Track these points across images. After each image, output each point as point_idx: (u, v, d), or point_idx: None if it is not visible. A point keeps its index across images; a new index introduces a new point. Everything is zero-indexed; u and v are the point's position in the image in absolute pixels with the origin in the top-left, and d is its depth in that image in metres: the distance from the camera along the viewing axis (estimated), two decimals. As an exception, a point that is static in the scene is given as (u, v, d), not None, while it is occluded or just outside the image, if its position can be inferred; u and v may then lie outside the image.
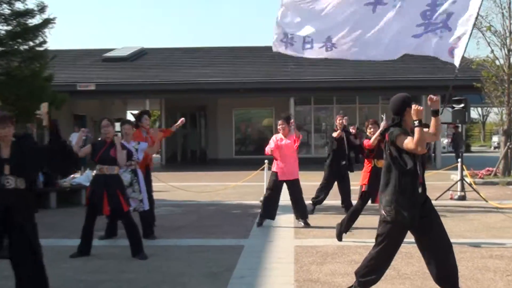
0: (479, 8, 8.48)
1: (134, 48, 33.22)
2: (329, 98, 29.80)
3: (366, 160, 9.99)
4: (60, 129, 6.04)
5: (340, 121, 12.36)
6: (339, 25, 8.93)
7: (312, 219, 11.27)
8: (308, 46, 9.09)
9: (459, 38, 8.38)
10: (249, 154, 29.59)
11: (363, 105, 29.39)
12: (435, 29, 8.51)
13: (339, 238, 9.11)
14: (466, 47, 8.35)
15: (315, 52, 9.12)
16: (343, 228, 9.18)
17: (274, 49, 9.44)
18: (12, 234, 5.70)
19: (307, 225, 10.71)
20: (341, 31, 8.94)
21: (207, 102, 30.83)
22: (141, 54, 32.69)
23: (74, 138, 23.64)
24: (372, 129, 9.89)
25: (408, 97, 5.74)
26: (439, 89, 25.70)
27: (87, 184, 13.86)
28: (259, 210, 11.12)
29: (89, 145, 8.79)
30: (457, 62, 8.50)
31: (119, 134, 9.05)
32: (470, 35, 8.46)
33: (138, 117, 10.38)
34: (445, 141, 40.81)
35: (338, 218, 10.76)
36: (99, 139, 8.90)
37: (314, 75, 26.86)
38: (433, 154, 28.41)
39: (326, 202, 12.70)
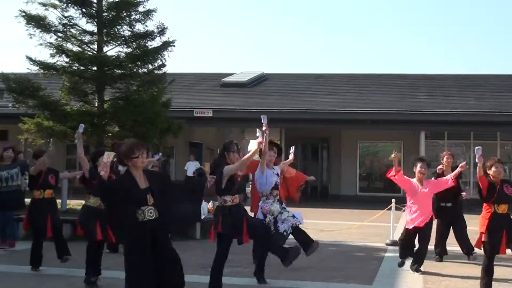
0: None
1: (254, 73, 33.53)
2: (465, 133, 28.89)
3: (485, 204, 8.99)
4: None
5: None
6: None
7: (444, 267, 11.05)
8: None
9: None
10: (375, 191, 29.22)
11: (505, 141, 28.24)
12: None
13: None
14: None
15: None
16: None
17: None
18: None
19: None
20: None
21: (330, 133, 30.77)
22: (261, 79, 33.00)
23: (190, 168, 24.35)
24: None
25: None
26: None
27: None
28: (386, 254, 10.98)
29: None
30: None
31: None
32: None
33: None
34: None
35: (474, 268, 10.48)
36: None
37: (448, 107, 26.19)
38: None
39: (458, 249, 12.14)
